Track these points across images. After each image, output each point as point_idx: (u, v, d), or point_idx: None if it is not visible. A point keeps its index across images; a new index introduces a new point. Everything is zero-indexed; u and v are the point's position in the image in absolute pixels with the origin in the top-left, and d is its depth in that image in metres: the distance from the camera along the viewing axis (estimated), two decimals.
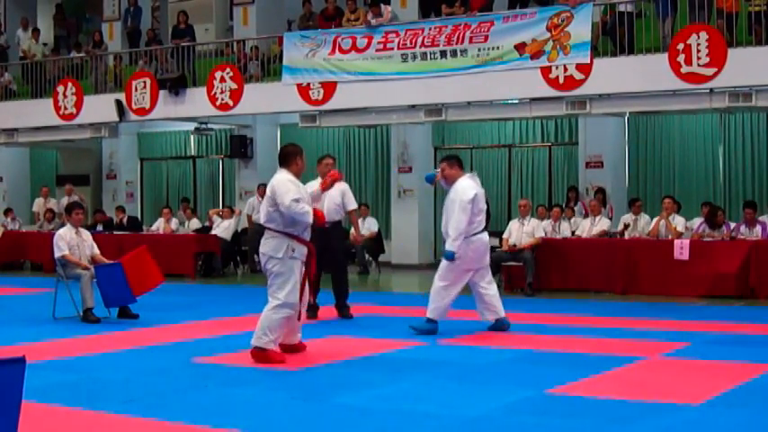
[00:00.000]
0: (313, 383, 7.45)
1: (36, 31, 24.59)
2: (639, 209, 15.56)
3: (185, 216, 20.13)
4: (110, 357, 8.84)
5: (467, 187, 9.84)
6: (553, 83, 16.08)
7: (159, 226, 19.67)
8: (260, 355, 8.28)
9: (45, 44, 25.39)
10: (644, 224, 15.29)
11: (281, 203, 8.22)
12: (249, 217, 19.52)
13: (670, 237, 14.56)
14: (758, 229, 14.39)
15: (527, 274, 14.49)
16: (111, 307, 11.50)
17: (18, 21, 25.76)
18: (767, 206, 16.07)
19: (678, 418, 6.13)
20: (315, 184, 10.51)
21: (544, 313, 10.67)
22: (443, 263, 9.92)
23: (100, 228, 19.86)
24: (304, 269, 8.47)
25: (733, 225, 15.09)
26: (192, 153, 24.37)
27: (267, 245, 8.38)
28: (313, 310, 11.10)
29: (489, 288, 10.08)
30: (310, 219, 8.32)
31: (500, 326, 10.07)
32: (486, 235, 10.06)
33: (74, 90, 21.56)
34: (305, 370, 7.97)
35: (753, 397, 6.82)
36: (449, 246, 9.77)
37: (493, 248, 14.78)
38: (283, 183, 8.38)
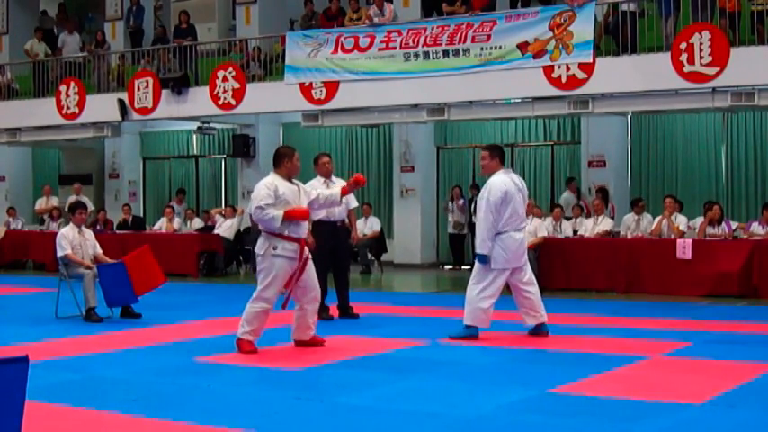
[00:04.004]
0: (314, 383, 7.46)
1: (39, 31, 24.60)
2: (642, 209, 15.57)
3: (179, 206, 20.30)
4: (112, 357, 8.84)
5: (498, 185, 9.43)
6: (555, 82, 16.08)
7: (162, 225, 19.70)
8: (237, 344, 8.83)
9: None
10: (646, 224, 15.31)
11: (251, 210, 8.80)
12: (252, 216, 19.51)
13: (672, 236, 14.57)
14: None
15: None
16: (113, 306, 11.53)
17: (22, 21, 25.80)
18: None
19: (680, 417, 6.13)
20: (316, 184, 10.56)
21: (547, 313, 10.64)
22: (476, 264, 9.60)
23: (99, 227, 19.86)
24: (298, 265, 8.70)
25: (736, 224, 15.09)
26: (195, 152, 24.40)
27: (257, 243, 8.88)
28: (325, 310, 11.11)
29: (530, 289, 9.64)
30: (277, 223, 8.60)
31: (540, 331, 9.71)
32: (519, 233, 9.53)
33: (76, 89, 21.56)
34: (306, 369, 7.98)
35: (755, 396, 6.82)
36: (478, 248, 9.45)
37: None
38: (259, 188, 8.79)
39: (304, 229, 8.88)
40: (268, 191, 8.67)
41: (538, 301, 9.70)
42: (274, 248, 8.63)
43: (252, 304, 8.78)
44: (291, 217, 8.61)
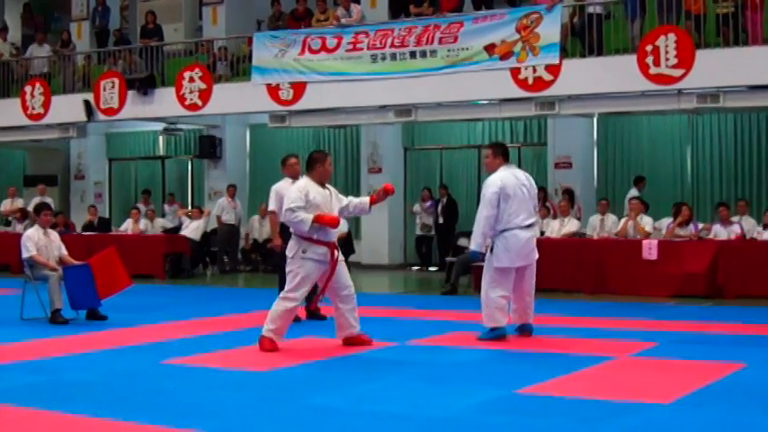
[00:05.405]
0: (283, 384, 7.43)
1: (4, 31, 24.39)
2: (605, 208, 15.69)
3: (145, 207, 20.21)
4: (78, 359, 8.77)
5: (494, 181, 9.44)
6: (522, 84, 16.13)
7: (128, 227, 19.57)
8: (259, 340, 8.97)
9: (12, 44, 25.16)
10: (611, 224, 15.40)
11: (283, 212, 8.96)
12: (218, 218, 19.49)
13: (638, 237, 14.65)
14: (736, 227, 14.51)
15: None
16: (78, 309, 11.43)
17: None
18: (735, 208, 16.19)
19: (647, 417, 6.16)
20: (284, 185, 10.60)
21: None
22: (485, 267, 9.53)
23: (60, 230, 19.57)
24: (328, 268, 8.87)
25: (702, 225, 15.19)
26: (161, 153, 24.28)
27: (287, 245, 9.08)
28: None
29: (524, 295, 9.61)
30: (306, 227, 8.75)
31: (523, 330, 9.68)
32: (524, 231, 9.33)
33: (41, 90, 21.39)
34: (275, 371, 7.95)
35: (721, 396, 6.86)
36: (470, 244, 9.53)
37: (462, 249, 14.84)
38: (291, 191, 9.01)
39: (333, 234, 9.01)
40: (299, 194, 8.83)
41: (529, 304, 9.67)
42: (304, 251, 8.82)
43: (279, 303, 8.95)
44: (321, 222, 8.75)
